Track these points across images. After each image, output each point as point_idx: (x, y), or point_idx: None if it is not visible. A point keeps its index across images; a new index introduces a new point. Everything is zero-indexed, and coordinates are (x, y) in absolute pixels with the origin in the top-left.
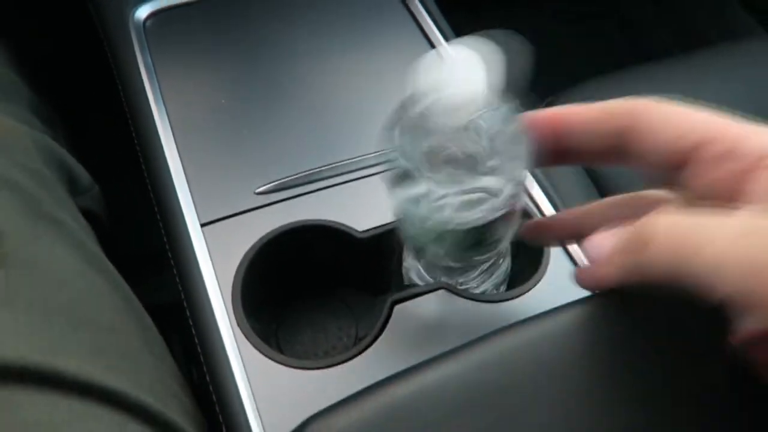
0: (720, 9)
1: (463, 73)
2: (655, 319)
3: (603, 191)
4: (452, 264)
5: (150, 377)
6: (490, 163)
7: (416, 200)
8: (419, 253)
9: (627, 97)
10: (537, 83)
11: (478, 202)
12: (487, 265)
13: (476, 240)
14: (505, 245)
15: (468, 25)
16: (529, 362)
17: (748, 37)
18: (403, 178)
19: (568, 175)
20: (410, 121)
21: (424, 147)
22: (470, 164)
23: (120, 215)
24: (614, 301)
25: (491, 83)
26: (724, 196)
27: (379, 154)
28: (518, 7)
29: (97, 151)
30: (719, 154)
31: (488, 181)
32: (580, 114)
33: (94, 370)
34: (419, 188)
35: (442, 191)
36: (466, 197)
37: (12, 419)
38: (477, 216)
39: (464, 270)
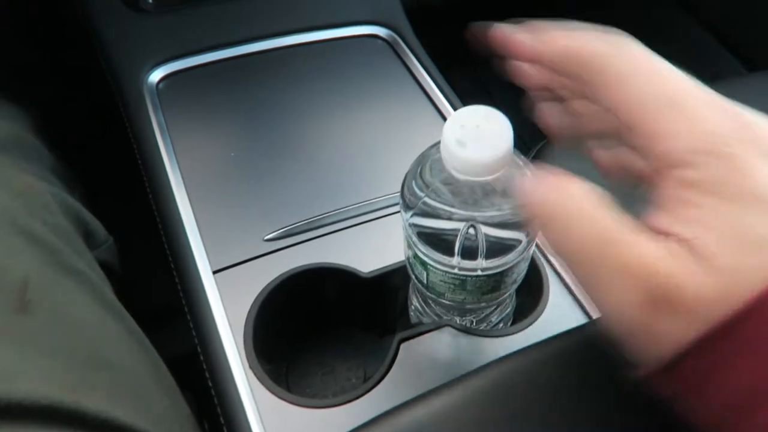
0: (704, 53)
1: (492, 131)
2: None
3: None
4: (469, 306)
5: (165, 417)
6: (508, 216)
7: (442, 245)
8: (438, 297)
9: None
10: (531, 135)
11: (502, 250)
12: (497, 302)
13: (496, 284)
14: (517, 284)
15: (465, 80)
16: (526, 387)
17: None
18: (427, 214)
19: None
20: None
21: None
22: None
23: (131, 270)
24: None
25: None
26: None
27: (381, 199)
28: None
29: (111, 206)
30: (637, 145)
31: (509, 234)
32: (547, 44)
33: (114, 409)
34: (444, 224)
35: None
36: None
37: None
38: (502, 262)
39: (478, 309)
